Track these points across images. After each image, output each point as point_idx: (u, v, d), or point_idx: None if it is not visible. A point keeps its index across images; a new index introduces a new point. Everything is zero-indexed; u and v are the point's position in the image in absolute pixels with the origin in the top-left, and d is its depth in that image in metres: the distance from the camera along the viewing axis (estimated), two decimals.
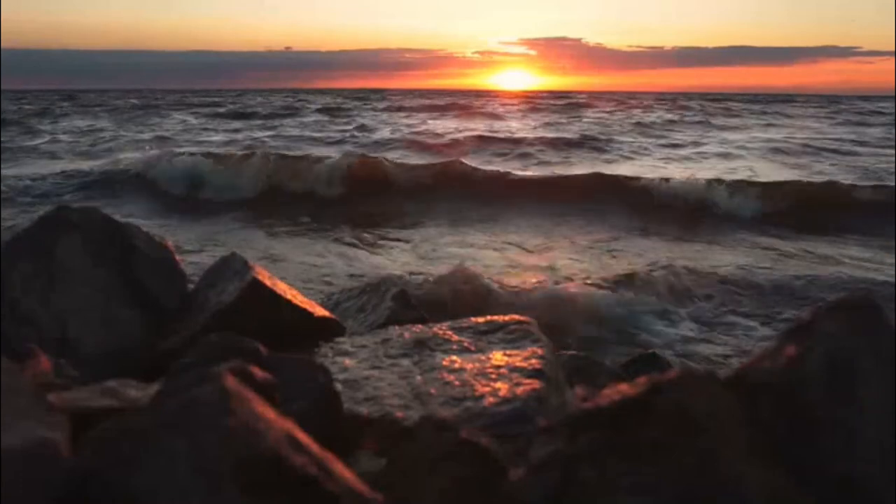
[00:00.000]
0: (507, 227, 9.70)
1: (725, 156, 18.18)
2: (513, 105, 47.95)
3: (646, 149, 19.66)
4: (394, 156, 16.26)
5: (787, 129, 26.95)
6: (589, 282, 6.55)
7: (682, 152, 19.17)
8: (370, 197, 11.82)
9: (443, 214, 10.50)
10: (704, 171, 14.64)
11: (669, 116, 33.75)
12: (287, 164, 13.30)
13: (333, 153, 15.78)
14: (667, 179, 12.24)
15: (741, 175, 13.47)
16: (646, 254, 8.20)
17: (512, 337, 1.94)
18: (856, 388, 0.96)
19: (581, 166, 15.58)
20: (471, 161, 14.40)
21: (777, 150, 19.19)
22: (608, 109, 40.92)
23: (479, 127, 25.75)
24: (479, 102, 50.40)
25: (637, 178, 12.48)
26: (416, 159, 15.56)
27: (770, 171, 14.76)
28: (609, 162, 16.92)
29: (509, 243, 8.73)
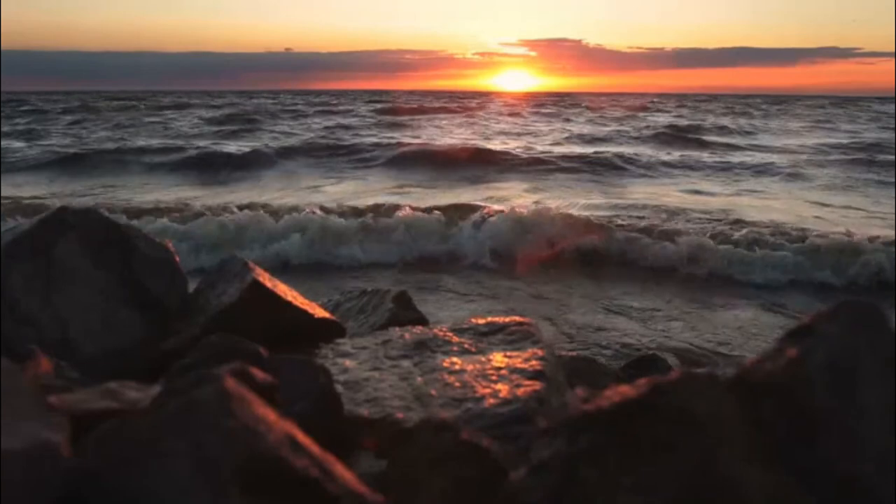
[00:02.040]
0: None
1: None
2: (537, 108, 45.59)
3: (746, 168, 16.65)
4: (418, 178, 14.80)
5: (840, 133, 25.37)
6: None
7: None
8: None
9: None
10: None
11: (711, 121, 32.00)
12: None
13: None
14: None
15: None
16: None
17: (512, 338, 1.94)
18: (857, 389, 0.96)
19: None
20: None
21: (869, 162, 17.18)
22: (631, 113, 39.36)
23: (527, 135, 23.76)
24: (497, 105, 48.10)
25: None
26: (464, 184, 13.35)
27: None
28: (729, 184, 14.38)
29: None
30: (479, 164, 16.63)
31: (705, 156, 18.93)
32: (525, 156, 17.85)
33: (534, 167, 16.51)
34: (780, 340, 1.05)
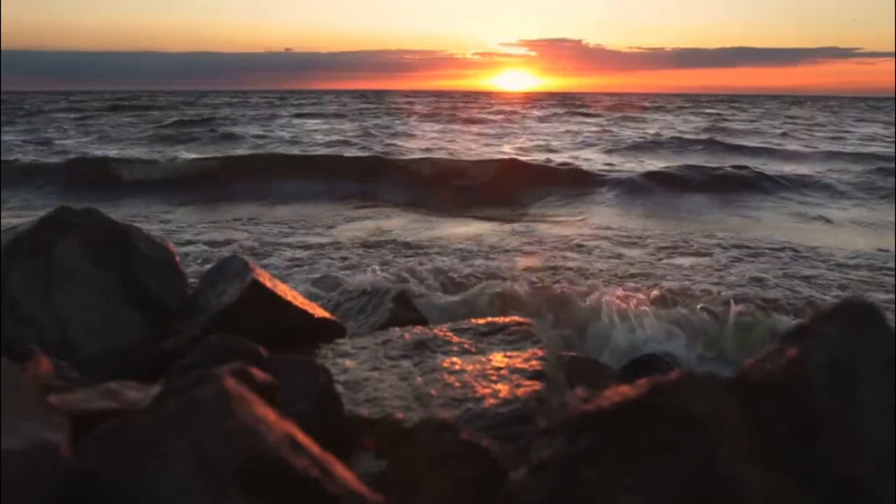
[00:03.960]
0: None
1: None
2: (547, 110, 41.59)
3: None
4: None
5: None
6: None
7: None
8: None
9: None
10: None
11: (768, 123, 29.57)
12: None
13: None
14: None
15: None
16: None
17: (512, 338, 1.94)
18: (856, 389, 0.96)
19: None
20: None
21: None
22: (650, 114, 36.85)
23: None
24: (509, 107, 44.88)
25: None
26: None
27: None
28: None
29: None
30: (545, 182, 13.68)
31: (785, 168, 15.81)
32: (580, 171, 14.95)
33: (597, 187, 13.69)
34: (780, 340, 1.05)
